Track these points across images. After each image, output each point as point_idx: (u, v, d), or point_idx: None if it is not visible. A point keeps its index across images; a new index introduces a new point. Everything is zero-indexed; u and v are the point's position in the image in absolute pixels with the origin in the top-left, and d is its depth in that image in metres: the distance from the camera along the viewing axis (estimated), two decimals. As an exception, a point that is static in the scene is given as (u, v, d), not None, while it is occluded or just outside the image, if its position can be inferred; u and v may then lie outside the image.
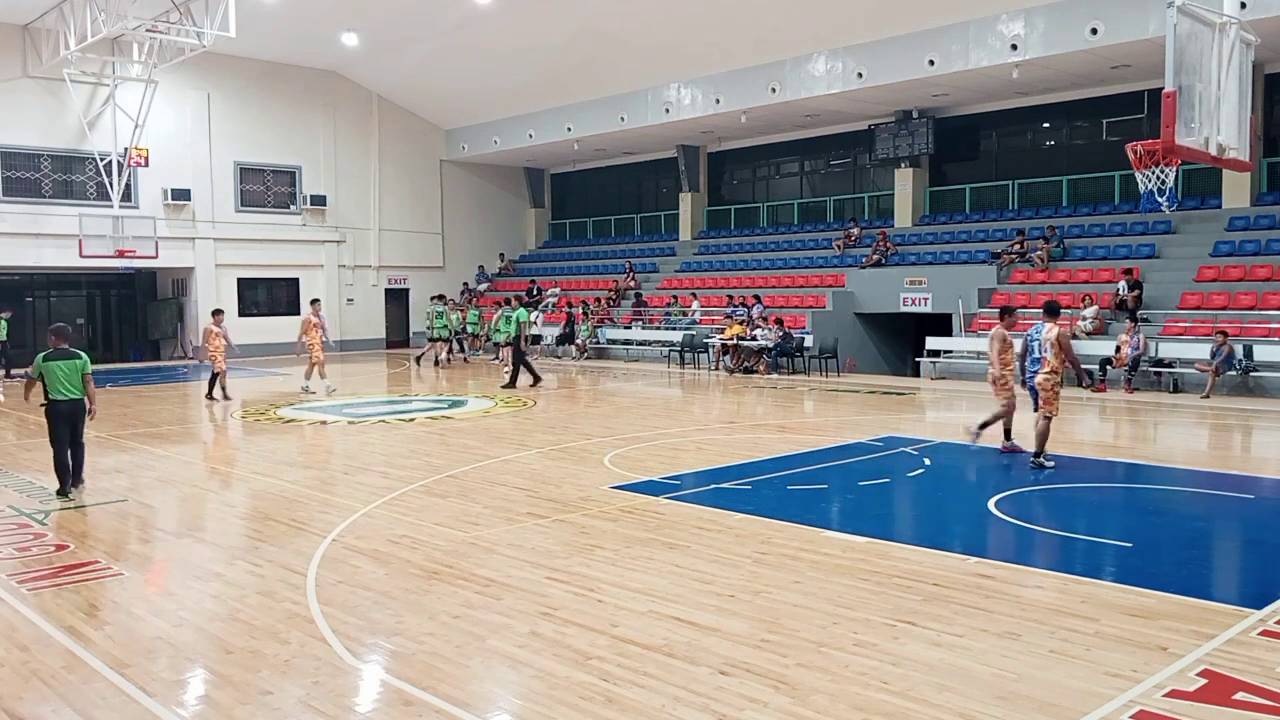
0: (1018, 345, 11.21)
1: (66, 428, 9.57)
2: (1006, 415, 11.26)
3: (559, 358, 27.50)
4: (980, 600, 6.09)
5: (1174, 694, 4.68)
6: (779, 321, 22.36)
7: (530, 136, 31.02)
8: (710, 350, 23.81)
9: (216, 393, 18.18)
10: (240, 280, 29.77)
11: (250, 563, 7.25)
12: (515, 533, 7.99)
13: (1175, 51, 10.03)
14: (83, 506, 9.29)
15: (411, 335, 33.63)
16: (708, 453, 11.92)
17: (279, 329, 30.37)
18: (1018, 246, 22.41)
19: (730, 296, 25.59)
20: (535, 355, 24.65)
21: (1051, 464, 10.44)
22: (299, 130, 30.70)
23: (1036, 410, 10.63)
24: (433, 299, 27.41)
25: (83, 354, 9.73)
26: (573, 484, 9.95)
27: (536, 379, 19.84)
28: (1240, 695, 4.66)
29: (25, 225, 25.61)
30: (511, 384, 19.57)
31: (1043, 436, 10.48)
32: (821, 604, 6.08)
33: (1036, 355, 10.58)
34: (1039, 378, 10.53)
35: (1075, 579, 6.54)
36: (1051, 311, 10.67)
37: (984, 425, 11.31)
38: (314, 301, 20.83)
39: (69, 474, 9.63)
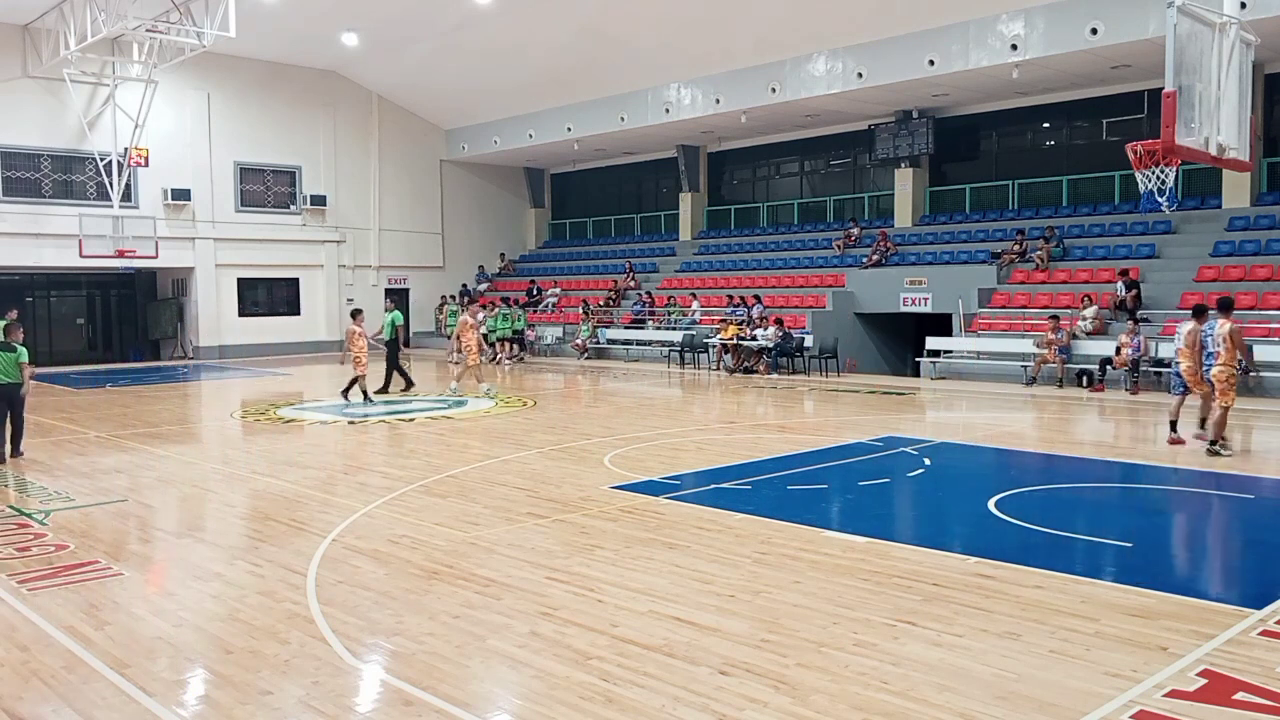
0: (1183, 340, 11.72)
1: (4, 406, 11.78)
2: (1206, 406, 11.65)
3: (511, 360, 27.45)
4: (980, 600, 6.09)
5: (1174, 694, 4.68)
6: (779, 322, 22.35)
7: (530, 136, 31.02)
8: (710, 350, 23.81)
9: (354, 394, 17.25)
10: (240, 280, 29.77)
11: (250, 563, 7.25)
12: (515, 533, 7.99)
13: (1175, 51, 10.04)
14: (83, 506, 9.29)
15: (412, 335, 33.61)
16: (708, 453, 11.92)
17: (279, 329, 30.43)
18: (1017, 246, 22.42)
19: (730, 296, 25.60)
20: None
21: (1228, 453, 11.05)
22: (299, 130, 30.70)
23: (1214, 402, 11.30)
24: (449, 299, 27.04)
25: (20, 348, 11.90)
26: (573, 484, 9.94)
27: (409, 383, 19.00)
28: (1240, 695, 4.66)
29: (25, 225, 25.61)
30: (385, 388, 18.48)
31: (1220, 425, 11.19)
32: (821, 604, 6.08)
33: (1210, 350, 11.31)
34: (1214, 370, 11.20)
35: (1075, 579, 6.54)
36: (1224, 307, 11.38)
37: (1205, 428, 11.52)
38: (470, 303, 19.99)
39: (3, 444, 11.78)
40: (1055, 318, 18.49)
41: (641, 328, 27.08)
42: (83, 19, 23.00)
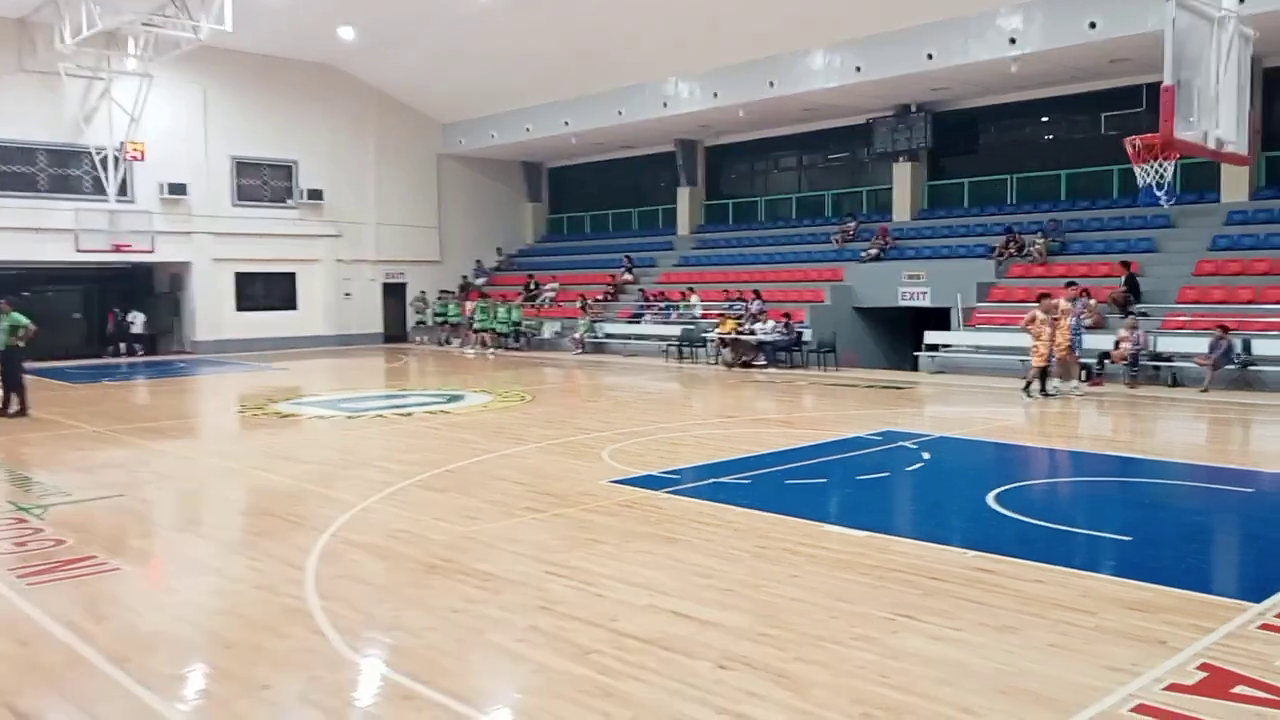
0: None
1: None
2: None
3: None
4: (980, 594, 6.09)
5: (1173, 687, 4.68)
6: (786, 316, 22.35)
7: (528, 131, 30.94)
8: (709, 345, 23.80)
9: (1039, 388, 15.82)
10: (238, 274, 29.74)
11: (249, 557, 7.24)
12: (514, 527, 7.99)
13: (1174, 45, 10.04)
14: (81, 501, 9.28)
15: (409, 329, 33.61)
16: (707, 447, 11.92)
17: (276, 323, 30.39)
18: (1015, 245, 22.35)
19: (726, 290, 25.54)
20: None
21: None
22: (296, 124, 30.63)
23: None
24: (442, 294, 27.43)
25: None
26: (572, 478, 9.93)
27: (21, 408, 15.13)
28: (1239, 688, 4.66)
29: (21, 220, 25.54)
30: (3, 410, 15.08)
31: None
32: (820, 598, 6.08)
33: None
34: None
35: (1075, 573, 6.54)
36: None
37: None
38: (1054, 298, 16.10)
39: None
40: (1072, 283, 17.50)
41: (650, 323, 26.98)
42: (78, 12, 22.90)
